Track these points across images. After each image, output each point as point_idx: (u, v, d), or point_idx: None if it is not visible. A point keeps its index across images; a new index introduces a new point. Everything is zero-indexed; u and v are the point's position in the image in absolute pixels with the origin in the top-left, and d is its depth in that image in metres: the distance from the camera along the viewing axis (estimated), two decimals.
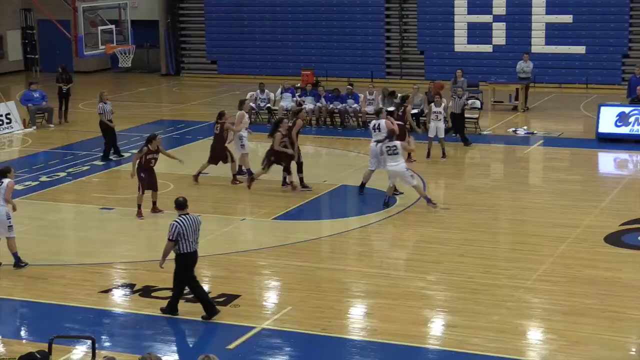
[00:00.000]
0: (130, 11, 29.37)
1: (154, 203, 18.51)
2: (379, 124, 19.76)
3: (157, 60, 39.82)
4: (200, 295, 13.25)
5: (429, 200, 18.40)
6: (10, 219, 15.33)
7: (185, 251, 13.08)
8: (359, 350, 12.35)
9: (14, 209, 15.72)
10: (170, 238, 13.04)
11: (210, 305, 13.21)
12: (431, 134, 23.12)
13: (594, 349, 12.14)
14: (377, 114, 20.73)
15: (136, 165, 18.30)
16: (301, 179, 20.06)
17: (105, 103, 23.72)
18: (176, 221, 13.10)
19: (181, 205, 13.36)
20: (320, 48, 36.37)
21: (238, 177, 20.80)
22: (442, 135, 23.13)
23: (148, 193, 18.41)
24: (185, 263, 13.16)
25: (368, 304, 13.97)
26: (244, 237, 17.31)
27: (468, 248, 16.26)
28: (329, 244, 17.03)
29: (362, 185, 19.56)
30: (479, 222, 17.83)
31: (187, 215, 13.24)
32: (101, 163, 23.28)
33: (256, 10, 37.31)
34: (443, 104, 23.56)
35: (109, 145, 23.70)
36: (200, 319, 13.19)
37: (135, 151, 19.20)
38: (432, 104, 23.64)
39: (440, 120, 23.11)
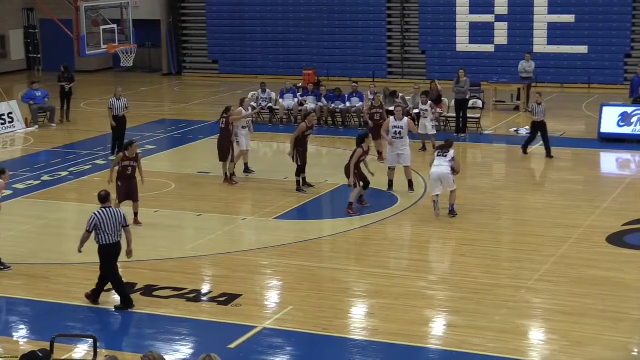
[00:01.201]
0: (132, 11, 29.39)
1: (136, 214, 17.76)
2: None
3: (158, 59, 39.84)
4: (118, 288, 13.64)
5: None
6: None
7: (104, 243, 13.51)
8: (360, 350, 12.34)
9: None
10: (87, 229, 13.56)
11: (128, 299, 13.66)
12: (421, 131, 23.58)
13: (596, 349, 12.13)
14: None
15: (114, 172, 17.71)
16: (303, 179, 20.06)
17: (118, 99, 23.82)
18: (94, 213, 13.58)
19: (102, 198, 13.76)
20: (322, 48, 36.38)
21: (234, 178, 20.70)
22: (431, 132, 23.71)
23: (128, 204, 17.65)
24: (106, 254, 13.57)
25: (369, 304, 13.97)
26: (245, 237, 17.31)
27: (469, 248, 16.26)
28: (330, 243, 17.03)
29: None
30: (481, 222, 17.82)
31: (107, 209, 13.57)
32: (103, 162, 23.29)
33: (257, 10, 37.32)
34: (429, 102, 24.04)
35: (114, 141, 23.81)
36: (203, 318, 13.21)
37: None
38: (420, 102, 24.29)
39: (427, 117, 23.70)
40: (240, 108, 21.17)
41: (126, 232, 13.68)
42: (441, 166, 17.94)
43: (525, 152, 23.34)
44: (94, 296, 13.79)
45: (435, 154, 18.33)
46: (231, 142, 20.60)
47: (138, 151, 18.07)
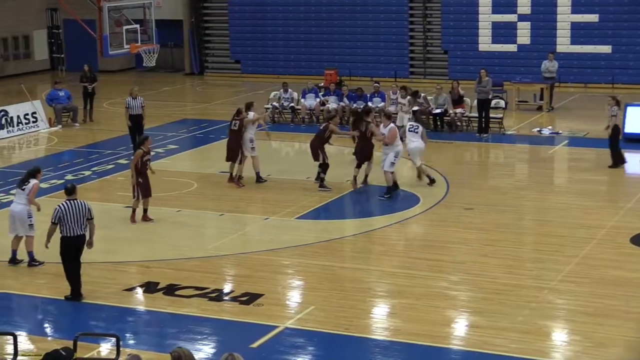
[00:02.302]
0: (154, 11, 29.45)
1: (145, 210, 18.01)
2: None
3: (181, 59, 39.94)
4: (72, 280, 13.94)
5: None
6: (31, 217, 15.53)
7: (66, 235, 13.83)
8: (382, 350, 12.33)
9: (38, 209, 15.88)
10: (52, 221, 13.87)
11: (77, 292, 13.96)
12: (399, 123, 23.65)
13: (619, 350, 12.06)
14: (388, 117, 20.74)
15: (134, 170, 17.87)
16: (322, 179, 20.04)
17: (134, 98, 23.92)
18: (59, 205, 13.91)
19: (67, 191, 14.18)
20: (344, 47, 36.35)
21: (241, 180, 20.68)
22: (405, 123, 23.74)
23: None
24: (66, 246, 13.87)
25: (391, 304, 13.95)
26: (267, 236, 17.31)
27: (491, 248, 16.20)
28: (351, 243, 17.02)
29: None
30: (503, 222, 17.75)
31: (72, 201, 13.89)
32: (126, 162, 23.37)
33: (280, 10, 37.35)
34: (408, 97, 25.04)
35: (133, 140, 23.91)
36: (225, 317, 13.22)
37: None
38: (399, 96, 25.14)
39: (405, 112, 24.69)
40: (251, 113, 20.88)
41: (90, 225, 13.99)
42: (417, 142, 20.12)
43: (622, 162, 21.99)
44: (74, 294, 14.02)
45: (407, 128, 20.27)
46: (241, 145, 20.54)
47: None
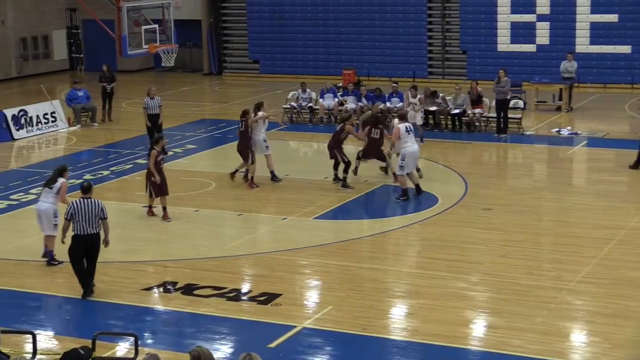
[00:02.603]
0: (173, 11, 29.58)
1: (165, 209, 18.11)
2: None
3: (199, 59, 40.03)
4: (81, 277, 14.04)
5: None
6: (56, 217, 15.58)
7: (77, 233, 13.88)
8: (400, 351, 12.31)
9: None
10: (65, 217, 13.97)
11: (88, 289, 14.03)
12: (410, 121, 23.38)
13: (638, 352, 11.98)
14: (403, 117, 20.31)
15: (155, 170, 17.99)
16: (344, 179, 20.05)
17: (152, 98, 24.01)
18: (72, 202, 14.02)
19: (83, 189, 14.23)
20: (362, 47, 36.33)
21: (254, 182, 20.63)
22: (419, 122, 24.29)
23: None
24: (76, 244, 13.94)
25: (409, 304, 13.92)
26: (285, 236, 17.32)
27: (510, 249, 16.15)
28: (370, 243, 17.00)
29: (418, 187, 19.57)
30: (521, 222, 17.70)
31: (86, 199, 13.94)
32: (144, 161, 23.43)
33: (298, 10, 37.37)
34: (419, 96, 24.72)
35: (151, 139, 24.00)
36: (243, 317, 13.24)
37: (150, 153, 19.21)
38: (410, 95, 24.89)
39: (417, 111, 24.37)
40: (260, 113, 20.68)
41: (104, 225, 14.00)
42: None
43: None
44: (86, 290, 14.08)
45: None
46: (250, 146, 20.44)
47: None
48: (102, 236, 14.19)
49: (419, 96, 24.82)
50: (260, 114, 20.68)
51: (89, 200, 14.00)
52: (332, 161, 20.44)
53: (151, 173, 17.99)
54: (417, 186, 19.37)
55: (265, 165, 20.76)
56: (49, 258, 15.64)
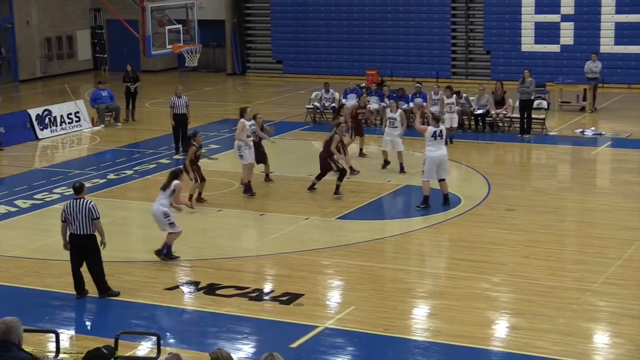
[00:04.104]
0: (197, 11, 29.61)
1: (200, 193, 19.18)
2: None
3: (223, 59, 40.13)
4: (73, 277, 14.14)
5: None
6: (168, 217, 15.58)
7: (72, 232, 13.95)
8: (422, 351, 12.28)
9: (191, 206, 17.77)
10: (61, 219, 14.05)
11: (79, 288, 14.16)
12: (447, 125, 23.15)
13: None
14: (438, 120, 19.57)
15: (190, 166, 18.74)
16: (337, 187, 19.54)
17: (179, 97, 24.11)
18: (65, 204, 14.14)
19: (75, 189, 14.19)
20: (386, 47, 36.29)
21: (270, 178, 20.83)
22: (455, 125, 24.13)
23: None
24: (72, 243, 14.03)
25: (431, 305, 13.88)
26: (307, 237, 17.32)
27: (533, 250, 16.08)
28: (392, 244, 16.97)
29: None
30: (545, 223, 17.61)
31: (77, 200, 13.95)
32: (167, 161, 23.54)
33: (321, 10, 37.38)
34: (454, 96, 24.49)
35: (176, 140, 24.05)
36: (265, 317, 13.25)
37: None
38: (445, 96, 24.48)
39: (453, 112, 24.16)
40: (243, 120, 19.97)
41: (96, 225, 13.94)
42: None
43: None
44: (102, 290, 14.19)
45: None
46: (262, 147, 20.38)
47: None
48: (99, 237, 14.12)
49: (454, 96, 24.57)
50: (245, 121, 19.83)
51: (81, 200, 13.94)
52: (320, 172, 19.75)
53: (193, 165, 18.75)
54: (445, 196, 18.66)
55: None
56: (166, 252, 15.64)
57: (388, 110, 21.94)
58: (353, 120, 22.81)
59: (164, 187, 15.79)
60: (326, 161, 19.52)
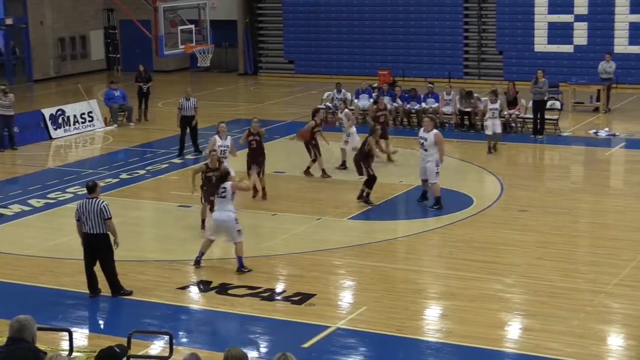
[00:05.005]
0: (209, 11, 29.69)
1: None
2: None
3: (235, 59, 40.17)
4: (87, 276, 14.20)
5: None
6: (238, 222, 15.17)
7: (86, 231, 13.97)
8: (434, 352, 12.26)
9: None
10: (75, 218, 14.09)
11: (92, 287, 14.22)
12: (489, 132, 23.26)
13: None
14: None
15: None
16: (367, 194, 19.18)
17: (188, 100, 24.12)
18: (79, 203, 14.21)
19: (88, 188, 14.24)
20: (398, 48, 36.27)
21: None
22: (498, 130, 23.42)
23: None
24: (86, 242, 14.07)
25: (443, 306, 13.86)
26: (319, 237, 17.31)
27: (546, 251, 16.03)
28: (404, 244, 16.96)
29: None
30: (558, 224, 17.56)
31: (89, 200, 13.95)
32: (179, 161, 23.58)
33: (333, 10, 37.39)
34: (499, 101, 23.79)
35: (182, 142, 24.03)
36: (277, 317, 13.26)
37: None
38: (489, 101, 23.87)
39: (496, 117, 23.47)
40: (215, 136, 19.12)
41: (108, 225, 13.94)
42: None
43: None
44: (114, 289, 14.21)
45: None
46: (264, 155, 19.95)
47: None
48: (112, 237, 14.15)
49: (499, 101, 23.80)
50: (215, 137, 19.04)
51: (93, 200, 13.94)
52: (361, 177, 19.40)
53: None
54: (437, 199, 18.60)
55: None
56: (239, 265, 15.16)
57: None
58: (376, 123, 22.03)
59: (220, 195, 15.20)
60: (359, 164, 19.21)
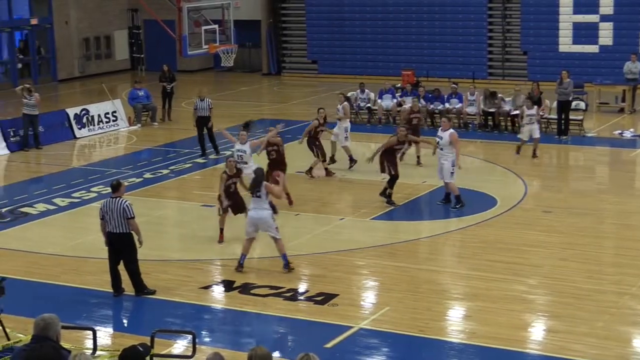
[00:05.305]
0: (233, 11, 29.74)
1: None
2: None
3: (258, 59, 40.22)
4: (110, 275, 14.28)
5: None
6: (275, 219, 15.29)
7: (109, 230, 14.04)
8: (457, 353, 12.22)
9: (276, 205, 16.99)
10: (99, 217, 14.15)
11: (116, 286, 14.28)
12: (525, 137, 22.91)
13: None
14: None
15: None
16: (389, 194, 19.21)
17: (202, 100, 24.12)
18: (103, 202, 14.28)
19: (112, 187, 14.33)
20: (421, 48, 36.20)
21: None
22: (537, 135, 22.92)
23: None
24: (109, 241, 14.15)
25: (467, 307, 13.81)
26: (342, 237, 17.30)
27: (570, 252, 15.94)
28: (427, 245, 16.91)
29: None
30: (583, 226, 17.46)
31: (113, 199, 14.01)
32: (202, 160, 23.63)
33: (357, 10, 37.35)
34: (535, 107, 23.31)
35: (202, 142, 24.04)
36: (300, 317, 13.25)
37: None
38: (524, 106, 23.36)
39: (533, 122, 22.88)
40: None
41: (130, 224, 13.98)
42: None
43: None
44: (138, 288, 14.26)
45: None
46: (286, 164, 19.48)
47: None
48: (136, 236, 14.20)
49: (535, 107, 23.25)
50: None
51: (117, 199, 13.99)
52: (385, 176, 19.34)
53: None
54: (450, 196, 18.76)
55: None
56: (286, 262, 15.22)
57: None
58: (409, 126, 21.72)
59: (256, 194, 15.13)
60: (382, 163, 19.17)
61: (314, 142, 21.25)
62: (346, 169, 21.91)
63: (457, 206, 18.59)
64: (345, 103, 22.90)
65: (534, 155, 22.88)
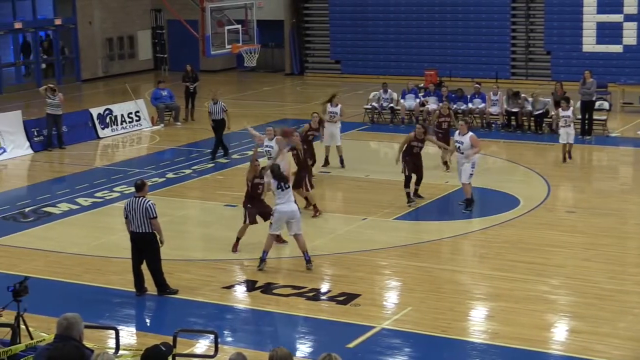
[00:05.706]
0: (256, 11, 29.75)
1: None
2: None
3: (281, 59, 40.26)
4: (133, 274, 14.35)
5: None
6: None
7: (131, 230, 14.12)
8: (479, 354, 12.19)
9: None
10: (124, 216, 14.22)
11: (139, 285, 14.36)
12: (563, 140, 22.59)
13: None
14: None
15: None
16: (407, 194, 19.08)
17: (215, 103, 24.09)
18: (127, 201, 14.35)
19: (136, 187, 14.41)
20: (444, 48, 36.12)
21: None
22: (571, 140, 22.53)
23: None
24: (131, 240, 14.23)
25: (489, 307, 13.77)
26: (365, 237, 17.29)
27: (594, 252, 15.87)
28: (450, 245, 16.88)
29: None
30: (606, 226, 17.37)
31: (136, 198, 14.07)
32: (225, 161, 23.68)
33: (380, 10, 37.31)
34: (571, 108, 22.98)
35: (217, 144, 24.03)
36: (322, 317, 13.26)
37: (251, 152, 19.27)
38: (560, 108, 23.11)
39: (569, 125, 22.48)
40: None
41: (153, 224, 14.01)
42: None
43: None
44: (160, 288, 14.33)
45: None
46: (307, 168, 19.19)
47: None
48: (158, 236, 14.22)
49: (571, 108, 22.91)
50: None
51: (140, 199, 14.06)
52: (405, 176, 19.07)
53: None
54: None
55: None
56: (307, 259, 15.27)
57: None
58: (439, 130, 21.63)
59: (283, 187, 15.22)
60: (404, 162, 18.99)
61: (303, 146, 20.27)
62: (339, 168, 21.83)
63: (466, 210, 18.48)
64: (340, 105, 22.77)
65: (568, 157, 22.59)
